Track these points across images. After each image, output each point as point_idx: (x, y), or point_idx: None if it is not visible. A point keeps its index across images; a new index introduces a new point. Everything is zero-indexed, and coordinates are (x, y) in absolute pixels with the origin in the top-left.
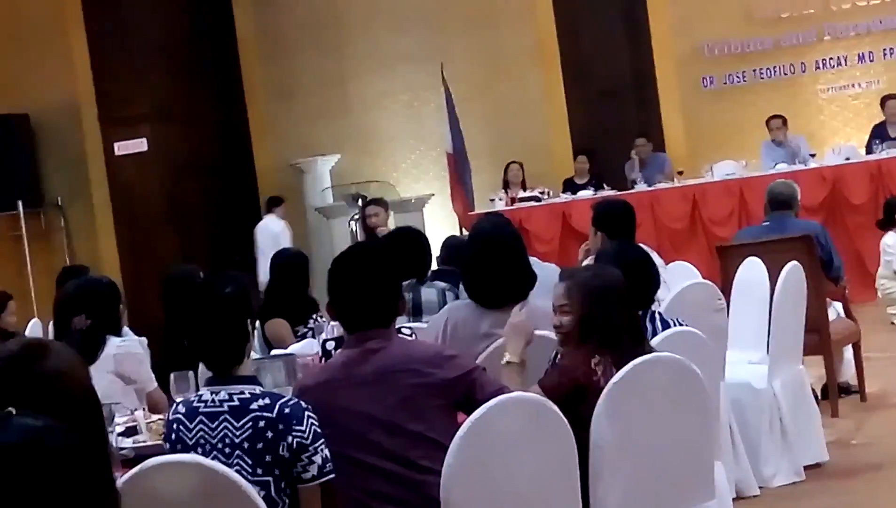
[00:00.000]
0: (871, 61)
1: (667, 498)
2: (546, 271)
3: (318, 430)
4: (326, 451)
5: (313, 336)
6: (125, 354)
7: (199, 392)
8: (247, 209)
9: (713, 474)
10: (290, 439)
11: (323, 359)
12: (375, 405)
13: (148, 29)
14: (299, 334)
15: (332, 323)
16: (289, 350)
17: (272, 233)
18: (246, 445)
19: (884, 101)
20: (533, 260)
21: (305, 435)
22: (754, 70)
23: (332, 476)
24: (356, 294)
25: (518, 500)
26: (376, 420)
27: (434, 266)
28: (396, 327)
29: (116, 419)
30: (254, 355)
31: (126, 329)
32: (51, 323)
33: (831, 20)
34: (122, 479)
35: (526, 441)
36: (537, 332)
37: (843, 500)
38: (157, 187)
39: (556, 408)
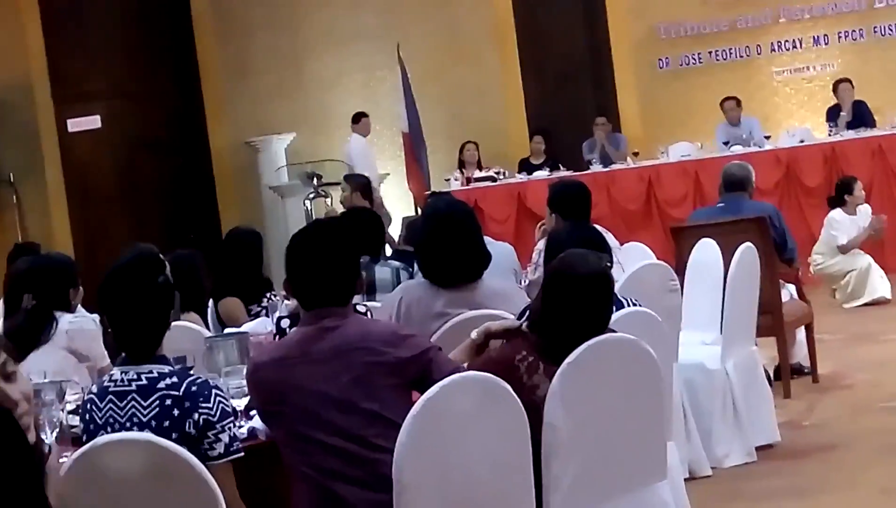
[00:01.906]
0: (825, 45)
1: (620, 478)
2: (500, 251)
3: (227, 409)
4: (235, 431)
5: (267, 315)
6: (77, 330)
7: (111, 372)
8: (201, 187)
9: (665, 454)
10: (196, 416)
11: (277, 337)
12: (330, 384)
13: (102, 6)
14: (253, 312)
15: (287, 302)
16: (242, 329)
17: (359, 149)
18: (153, 423)
19: (836, 84)
20: (487, 240)
21: (212, 412)
22: (710, 52)
23: (241, 454)
24: (313, 271)
25: (471, 479)
26: (330, 398)
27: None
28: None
29: (67, 397)
30: (206, 333)
31: (79, 308)
32: (0, 300)
33: (787, 3)
34: (72, 457)
35: (479, 420)
36: (491, 311)
37: (794, 481)
38: (111, 165)
39: (507, 386)
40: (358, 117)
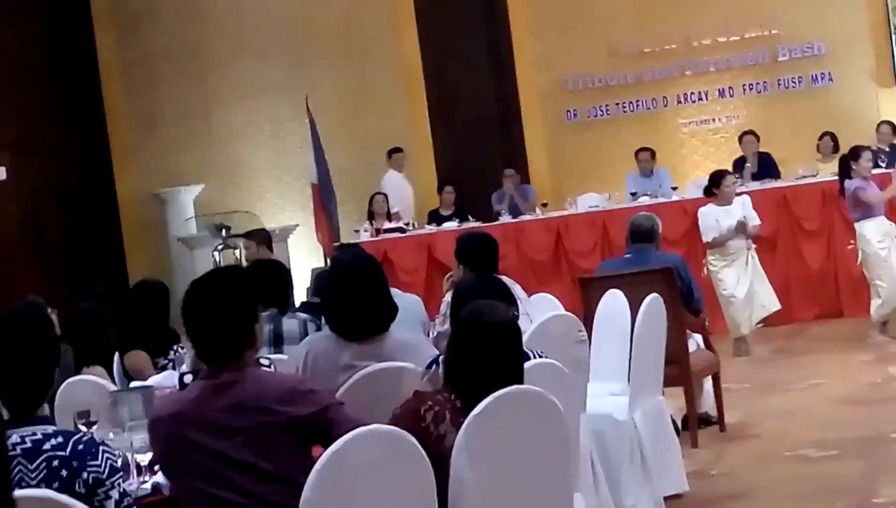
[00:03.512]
0: (731, 97)
1: None
2: (408, 302)
3: (115, 465)
4: (124, 486)
5: (174, 368)
6: None
7: None
8: (108, 238)
9: (572, 505)
10: (84, 475)
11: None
12: (224, 443)
13: (6, 56)
14: (159, 365)
15: (189, 354)
16: (148, 382)
17: (394, 184)
18: (42, 486)
19: (741, 136)
20: (394, 291)
21: (101, 470)
22: (617, 103)
23: None
24: (206, 325)
25: None
26: (225, 457)
27: (305, 298)
28: (256, 356)
29: None
30: (111, 387)
31: None
32: None
33: (692, 56)
34: None
35: (384, 473)
36: (398, 364)
37: None
38: (16, 215)
39: (413, 440)
40: (391, 153)
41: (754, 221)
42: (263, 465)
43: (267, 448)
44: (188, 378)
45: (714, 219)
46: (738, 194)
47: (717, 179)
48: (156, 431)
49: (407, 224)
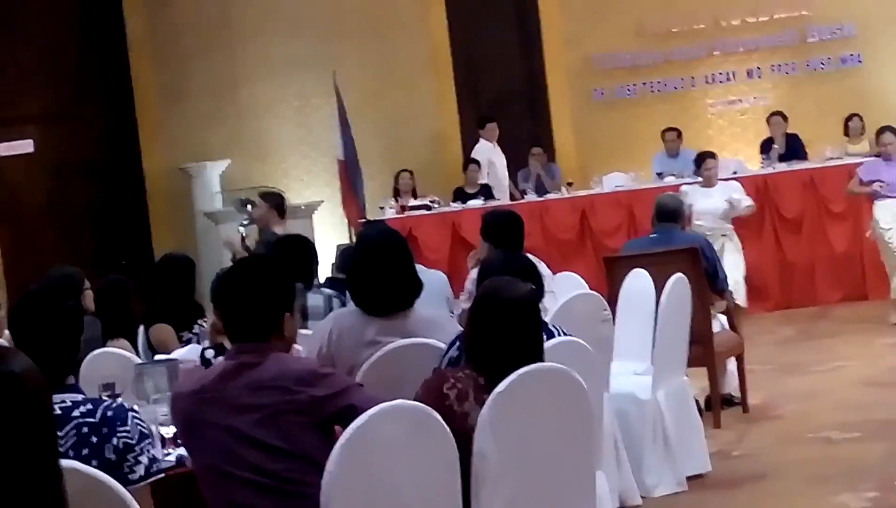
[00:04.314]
0: (759, 78)
1: (549, 507)
2: (433, 279)
3: (145, 431)
4: (154, 452)
5: (198, 342)
6: None
7: None
8: (134, 212)
9: (595, 484)
10: (115, 440)
11: (203, 367)
12: (241, 420)
13: (36, 29)
14: (184, 339)
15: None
16: (172, 356)
17: (485, 155)
18: (71, 453)
19: (769, 117)
20: (420, 268)
21: (131, 435)
22: (644, 83)
23: (161, 475)
24: (234, 306)
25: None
26: (241, 435)
27: (330, 274)
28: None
29: None
30: (136, 360)
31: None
32: None
33: (721, 36)
34: None
35: (407, 449)
36: (423, 340)
37: None
38: (43, 189)
39: (437, 415)
40: (483, 123)
41: (744, 201)
42: (277, 443)
43: (281, 427)
44: (210, 353)
45: (689, 201)
46: (726, 180)
47: (699, 160)
48: (176, 407)
49: (433, 201)
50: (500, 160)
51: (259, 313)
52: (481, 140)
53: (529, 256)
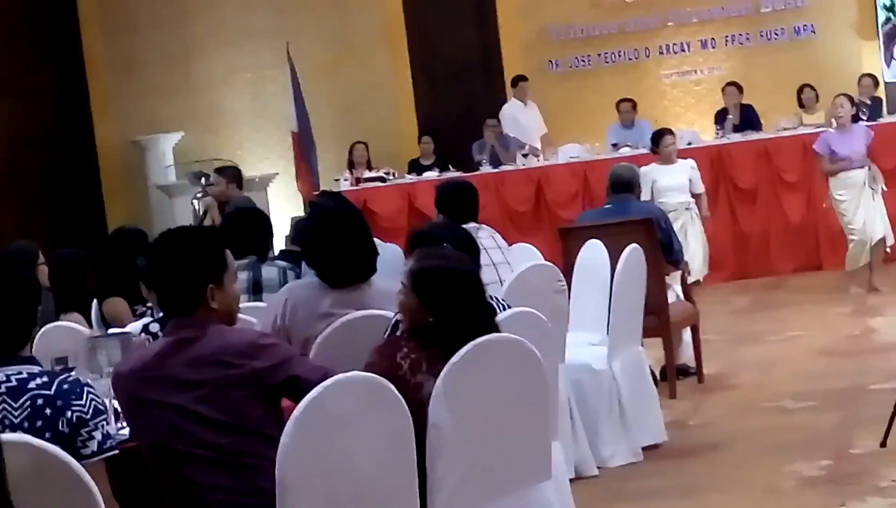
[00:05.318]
0: (713, 48)
1: (504, 478)
2: (388, 252)
3: (101, 407)
4: (108, 429)
5: (152, 315)
6: None
7: None
8: (87, 185)
9: (550, 454)
10: (69, 414)
11: (148, 341)
12: (185, 397)
13: None
14: (138, 312)
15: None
16: (126, 329)
17: (512, 115)
18: (26, 424)
19: (723, 88)
20: (376, 241)
21: (85, 410)
22: (599, 54)
23: (115, 452)
24: (156, 280)
25: (355, 479)
26: (186, 411)
27: (284, 246)
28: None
29: None
30: (89, 333)
31: None
32: None
33: (675, 7)
34: None
35: (363, 421)
36: (378, 312)
37: (680, 480)
38: None
39: (391, 386)
40: (516, 81)
41: (696, 187)
42: (223, 417)
43: (226, 401)
44: (154, 327)
45: (651, 179)
46: (684, 158)
47: (657, 137)
48: (118, 386)
49: (387, 173)
50: (526, 117)
51: (179, 286)
52: (511, 99)
53: (485, 227)
